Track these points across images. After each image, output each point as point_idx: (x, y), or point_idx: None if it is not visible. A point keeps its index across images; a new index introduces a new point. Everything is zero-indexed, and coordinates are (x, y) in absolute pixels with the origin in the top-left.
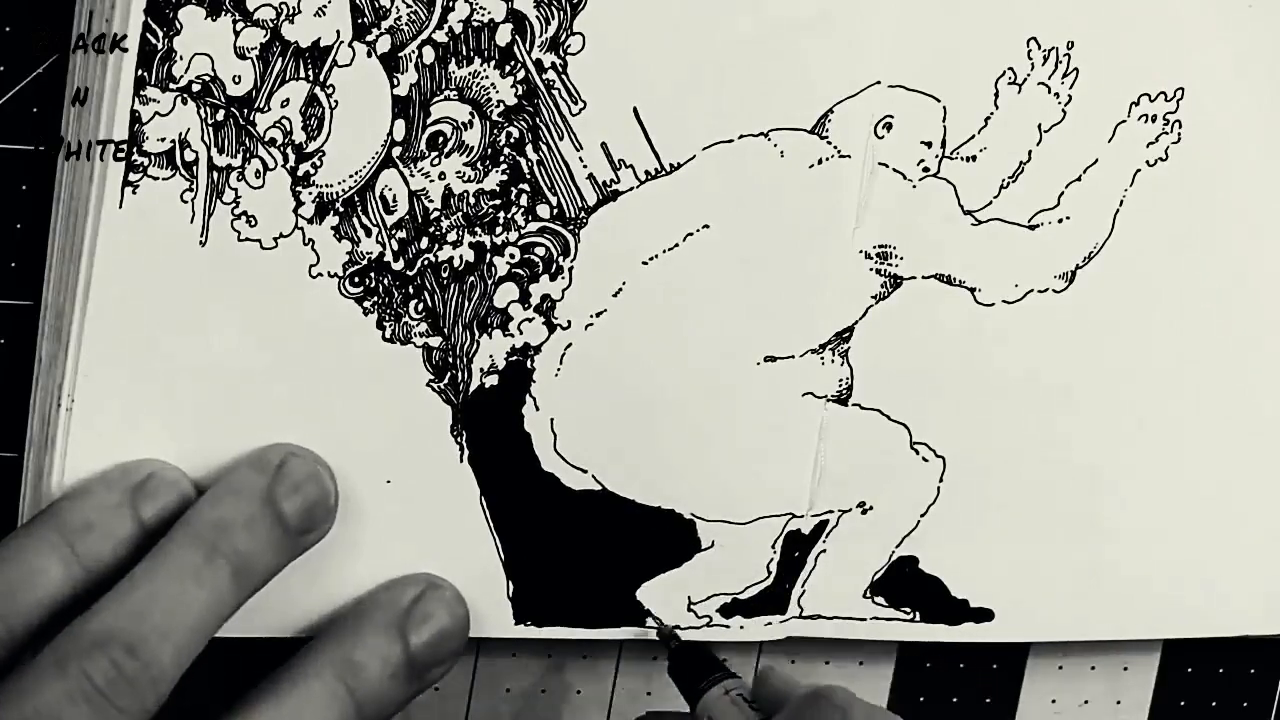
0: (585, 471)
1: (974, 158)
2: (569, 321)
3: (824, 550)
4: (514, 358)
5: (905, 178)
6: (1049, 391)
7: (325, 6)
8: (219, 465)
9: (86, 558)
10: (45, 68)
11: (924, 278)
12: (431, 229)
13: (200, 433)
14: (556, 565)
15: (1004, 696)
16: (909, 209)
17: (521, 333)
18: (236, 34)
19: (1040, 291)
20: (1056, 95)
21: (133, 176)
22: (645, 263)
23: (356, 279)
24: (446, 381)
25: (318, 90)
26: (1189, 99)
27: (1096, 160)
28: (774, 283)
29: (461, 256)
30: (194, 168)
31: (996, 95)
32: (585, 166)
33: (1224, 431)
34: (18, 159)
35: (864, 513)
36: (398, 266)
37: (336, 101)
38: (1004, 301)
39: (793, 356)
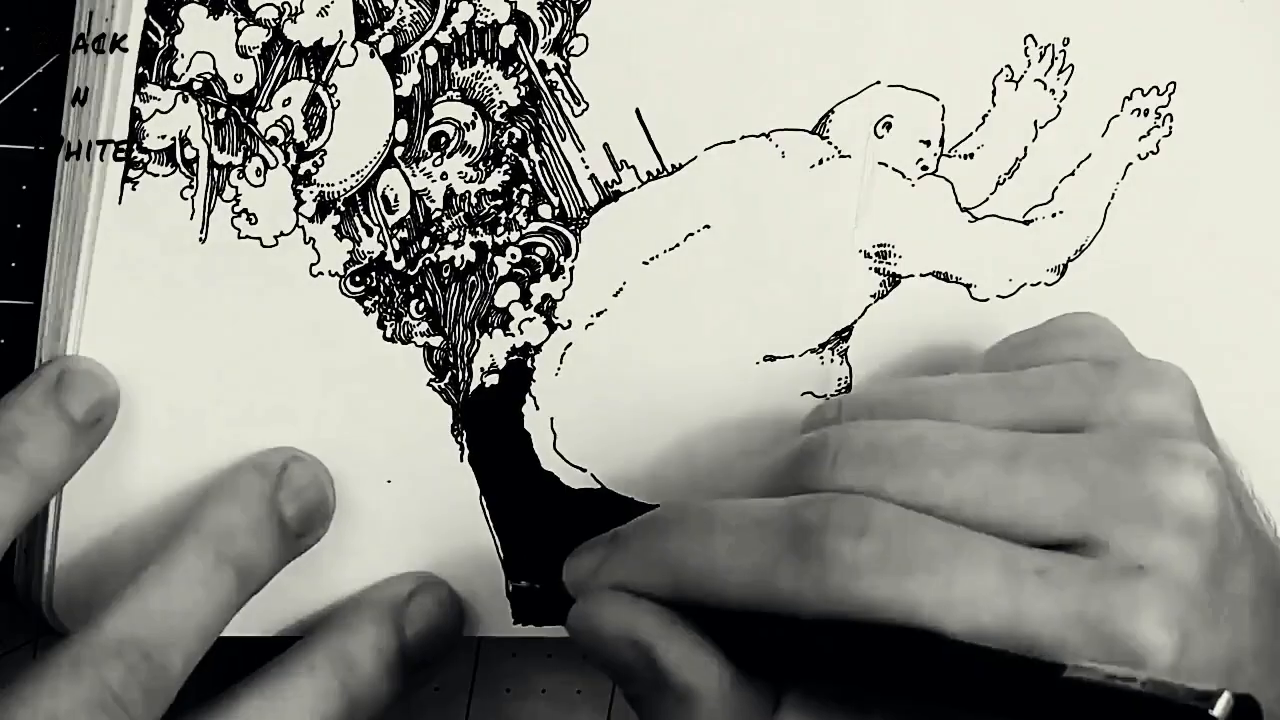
0: (585, 470)
1: (971, 155)
2: (569, 321)
3: None
4: (514, 357)
5: (904, 176)
6: None
7: (328, 7)
8: (219, 465)
9: None
10: (45, 68)
11: (921, 275)
12: (433, 229)
13: (200, 431)
14: (557, 565)
15: None
16: (908, 208)
17: (522, 332)
18: (238, 33)
19: (1033, 285)
20: (1053, 91)
21: (132, 173)
22: (646, 263)
23: (357, 278)
24: (447, 381)
25: (320, 90)
26: (1180, 92)
27: (1090, 155)
28: (774, 283)
29: (463, 256)
30: (194, 165)
31: (994, 93)
32: (587, 167)
33: (1214, 422)
34: (18, 159)
35: None
36: (399, 266)
37: (339, 101)
38: (998, 296)
39: (792, 356)
